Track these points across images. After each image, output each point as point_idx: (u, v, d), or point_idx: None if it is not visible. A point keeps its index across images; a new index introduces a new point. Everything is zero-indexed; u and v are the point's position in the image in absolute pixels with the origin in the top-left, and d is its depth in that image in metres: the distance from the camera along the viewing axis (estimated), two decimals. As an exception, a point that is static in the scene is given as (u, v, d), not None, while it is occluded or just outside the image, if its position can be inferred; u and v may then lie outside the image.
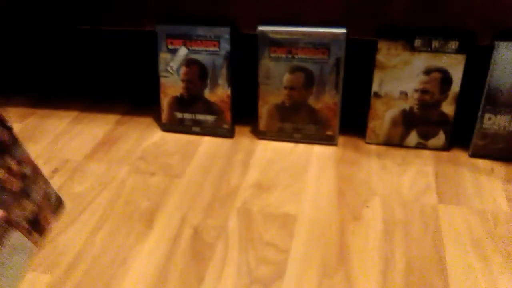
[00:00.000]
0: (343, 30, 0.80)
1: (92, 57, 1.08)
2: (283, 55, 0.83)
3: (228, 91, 0.88)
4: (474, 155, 0.83)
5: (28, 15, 1.07)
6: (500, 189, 0.76)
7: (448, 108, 0.82)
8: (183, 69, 0.88)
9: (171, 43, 0.87)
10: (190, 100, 0.90)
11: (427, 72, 0.80)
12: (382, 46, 0.80)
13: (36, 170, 0.64)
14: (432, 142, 0.85)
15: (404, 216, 0.71)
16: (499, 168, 0.81)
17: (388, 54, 0.80)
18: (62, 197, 0.76)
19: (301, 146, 0.88)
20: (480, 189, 0.76)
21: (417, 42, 0.79)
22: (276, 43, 0.83)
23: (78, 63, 1.10)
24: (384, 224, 0.70)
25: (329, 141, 0.88)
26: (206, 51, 0.86)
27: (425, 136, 0.85)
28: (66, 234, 0.69)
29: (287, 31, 0.82)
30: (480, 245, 0.66)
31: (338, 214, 0.72)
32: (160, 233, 0.69)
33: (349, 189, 0.77)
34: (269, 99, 0.87)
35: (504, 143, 0.81)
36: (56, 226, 0.71)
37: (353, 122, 0.92)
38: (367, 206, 0.73)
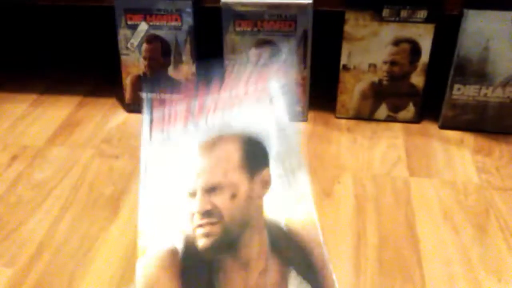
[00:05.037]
0: (309, 1, 0.77)
1: (50, 36, 1.03)
2: (249, 29, 0.80)
3: (193, 68, 0.85)
4: (443, 126, 0.83)
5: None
6: (470, 160, 0.76)
7: (417, 79, 0.81)
8: (144, 46, 0.84)
9: (130, 19, 0.82)
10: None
11: (396, 43, 0.79)
12: (350, 16, 0.78)
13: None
14: (402, 114, 0.84)
15: (376, 191, 0.70)
16: (468, 138, 0.81)
17: (356, 25, 0.78)
18: (21, 186, 0.73)
19: (271, 123, 0.86)
20: (450, 160, 0.76)
21: (385, 12, 0.77)
22: (240, 16, 0.79)
23: (36, 42, 1.04)
24: (355, 199, 0.69)
25: (299, 116, 0.86)
26: (167, 26, 0.82)
27: (395, 108, 0.84)
28: (27, 225, 0.66)
29: (252, 3, 0.78)
30: (452, 217, 0.66)
31: (310, 190, 0.71)
32: (126, 220, 0.67)
33: (319, 165, 0.76)
34: (236, 75, 0.84)
35: (473, 113, 0.81)
36: (15, 217, 0.67)
37: (322, 97, 0.90)
38: (338, 182, 0.72)
